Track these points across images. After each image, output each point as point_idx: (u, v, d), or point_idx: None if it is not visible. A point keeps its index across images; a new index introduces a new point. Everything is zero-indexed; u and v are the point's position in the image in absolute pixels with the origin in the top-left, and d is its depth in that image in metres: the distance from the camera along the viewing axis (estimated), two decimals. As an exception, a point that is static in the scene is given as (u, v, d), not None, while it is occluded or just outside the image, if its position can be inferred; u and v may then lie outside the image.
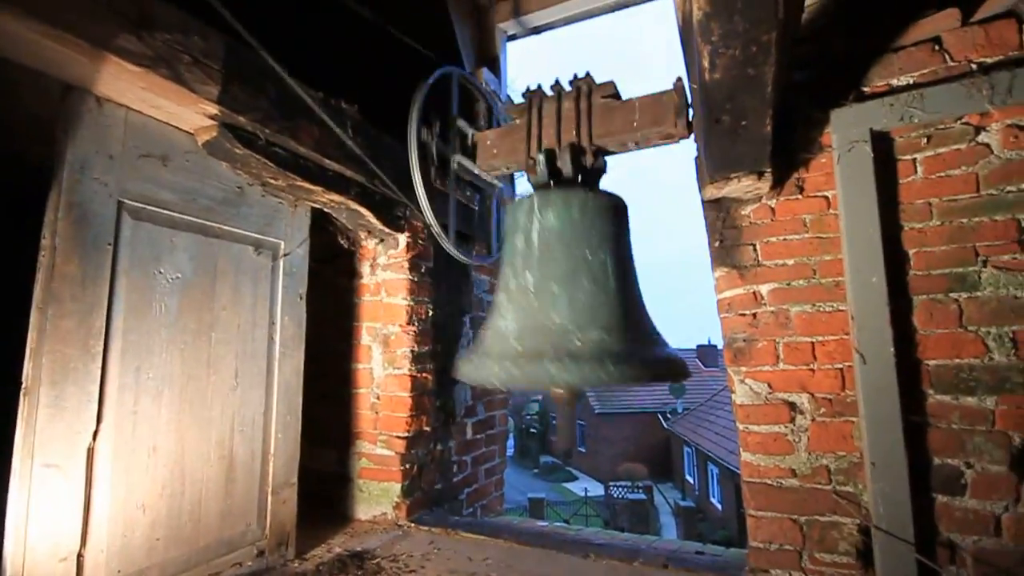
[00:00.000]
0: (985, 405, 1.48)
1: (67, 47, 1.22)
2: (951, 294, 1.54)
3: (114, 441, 1.46)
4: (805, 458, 1.64)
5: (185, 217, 1.64)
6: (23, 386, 1.31)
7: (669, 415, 20.55)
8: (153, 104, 1.48)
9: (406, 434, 2.36)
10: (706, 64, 1.13)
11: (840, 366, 1.63)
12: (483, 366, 1.13)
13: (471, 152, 1.68)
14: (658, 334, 1.24)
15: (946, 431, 1.51)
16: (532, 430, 25.94)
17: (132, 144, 1.49)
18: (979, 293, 1.51)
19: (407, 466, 2.37)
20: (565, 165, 1.34)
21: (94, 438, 1.41)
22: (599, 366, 1.01)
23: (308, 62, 2.00)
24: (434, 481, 2.55)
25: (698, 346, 26.64)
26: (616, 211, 1.27)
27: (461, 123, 1.80)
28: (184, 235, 1.65)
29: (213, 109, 1.50)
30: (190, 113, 1.52)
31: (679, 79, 1.43)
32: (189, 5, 1.40)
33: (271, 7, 2.21)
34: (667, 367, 1.13)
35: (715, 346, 25.50)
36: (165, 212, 1.58)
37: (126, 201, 1.48)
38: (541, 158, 1.32)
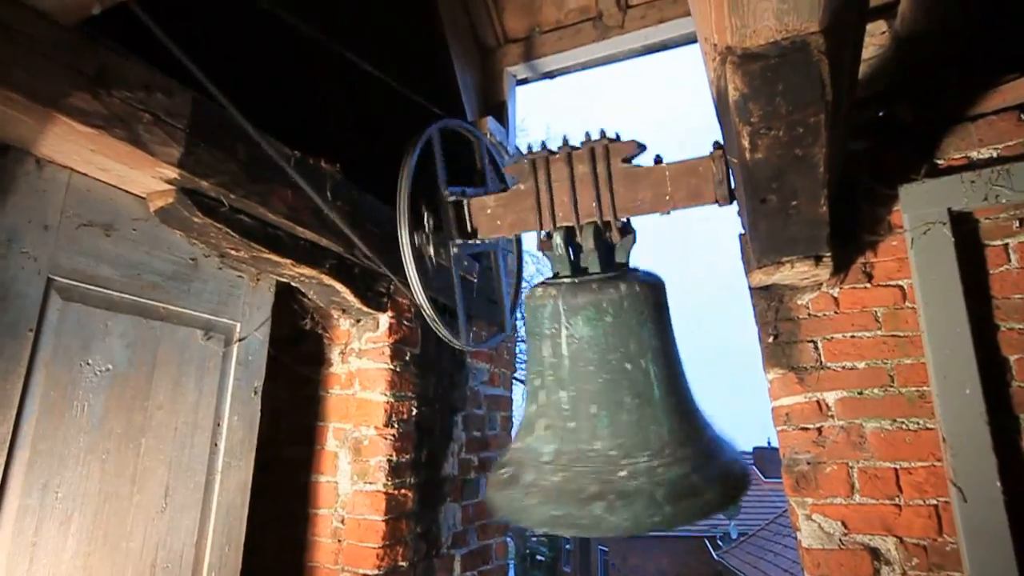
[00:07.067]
0: (1123, 561, 1.44)
1: (9, 106, 1.33)
2: (1066, 413, 1.54)
3: (4, 582, 1.43)
4: (895, 625, 1.58)
5: (125, 296, 1.70)
6: (-98, 508, 1.31)
7: (720, 540, 19.63)
8: (102, 167, 1.58)
9: (376, 572, 2.29)
10: (746, 144, 1.21)
11: (934, 502, 1.60)
12: (519, 502, 1.22)
13: (470, 216, 1.75)
14: (713, 434, 1.32)
15: (1078, 594, 1.46)
16: (538, 557, 24.74)
17: (72, 212, 1.58)
18: (1101, 414, 1.52)
19: (375, 618, 2.28)
20: (587, 244, 1.40)
21: (-21, 578, 1.39)
22: (653, 506, 1.09)
23: (285, 115, 2.16)
24: (409, 638, 2.43)
25: (755, 449, 25.70)
26: (655, 300, 1.32)
27: (455, 189, 1.89)
28: (121, 318, 1.70)
29: (172, 173, 1.60)
30: (145, 176, 1.62)
31: (717, 146, 1.52)
32: (154, 57, 1.54)
33: (247, 57, 2.41)
34: (731, 485, 1.20)
35: (777, 449, 24.71)
36: (102, 291, 1.65)
37: (56, 279, 1.55)
38: (559, 241, 1.39)
